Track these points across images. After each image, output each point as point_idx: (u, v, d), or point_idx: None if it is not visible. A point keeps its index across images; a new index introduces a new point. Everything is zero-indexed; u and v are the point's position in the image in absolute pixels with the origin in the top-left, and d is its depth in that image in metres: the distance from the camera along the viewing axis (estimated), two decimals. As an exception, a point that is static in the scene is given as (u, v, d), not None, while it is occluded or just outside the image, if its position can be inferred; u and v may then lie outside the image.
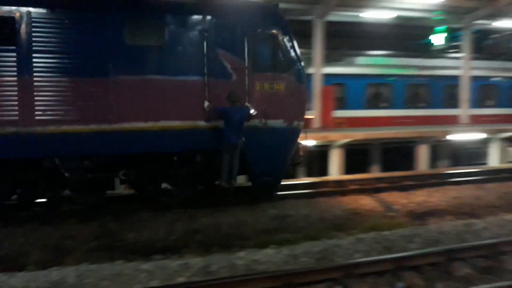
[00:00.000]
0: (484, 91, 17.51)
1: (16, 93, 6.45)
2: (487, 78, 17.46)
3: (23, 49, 6.45)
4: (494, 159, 14.06)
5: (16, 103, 6.46)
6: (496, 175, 11.43)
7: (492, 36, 26.98)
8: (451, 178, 10.94)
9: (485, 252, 5.76)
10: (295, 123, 7.98)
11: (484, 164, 14.32)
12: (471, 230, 6.72)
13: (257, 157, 7.74)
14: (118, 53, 6.89)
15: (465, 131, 13.50)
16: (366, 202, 8.58)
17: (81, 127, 6.78)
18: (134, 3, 7.27)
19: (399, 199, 8.78)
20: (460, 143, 14.11)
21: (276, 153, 7.88)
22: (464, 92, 14.80)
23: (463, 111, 14.91)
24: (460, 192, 9.51)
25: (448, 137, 13.20)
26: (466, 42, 14.76)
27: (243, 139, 7.34)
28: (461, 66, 15.04)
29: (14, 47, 6.41)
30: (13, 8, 6.38)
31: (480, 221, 7.23)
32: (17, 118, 6.46)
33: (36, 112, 6.55)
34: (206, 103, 7.30)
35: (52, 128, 6.64)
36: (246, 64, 7.55)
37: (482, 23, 15.68)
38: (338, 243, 6.13)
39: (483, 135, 13.75)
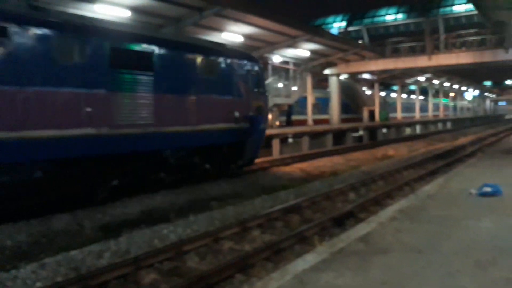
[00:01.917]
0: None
1: (152, 105, 9.43)
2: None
3: (157, 74, 9.52)
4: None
5: (152, 112, 9.42)
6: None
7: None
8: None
9: (170, 254, 6.08)
10: (265, 125, 13.39)
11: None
12: (159, 235, 7.03)
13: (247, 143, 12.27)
14: (199, 82, 10.61)
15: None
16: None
17: (182, 128, 10.17)
18: (205, 51, 11.07)
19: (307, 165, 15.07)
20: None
21: (259, 143, 12.92)
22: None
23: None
24: (153, 199, 10.01)
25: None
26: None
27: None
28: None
29: (152, 73, 9.45)
30: (151, 47, 9.49)
31: (169, 224, 7.70)
32: (152, 122, 9.43)
33: (161, 117, 9.62)
34: (236, 114, 11.59)
35: (168, 129, 9.86)
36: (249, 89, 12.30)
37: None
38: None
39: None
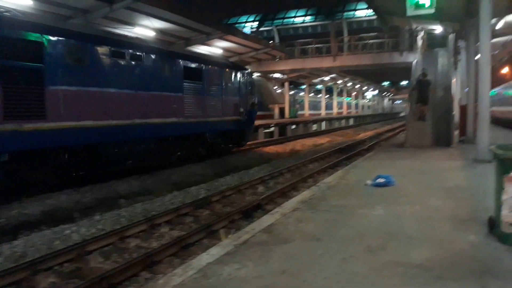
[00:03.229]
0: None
1: (201, 103, 14.19)
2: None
3: (204, 83, 14.14)
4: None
5: (201, 108, 14.13)
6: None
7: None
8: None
9: (72, 256, 5.78)
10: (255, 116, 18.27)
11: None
12: (61, 236, 6.64)
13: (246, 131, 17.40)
14: (224, 87, 15.65)
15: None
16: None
17: (216, 118, 14.92)
18: (225, 65, 16.18)
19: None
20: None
21: (251, 129, 18.59)
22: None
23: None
24: (57, 198, 9.40)
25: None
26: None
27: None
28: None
29: (201, 82, 14.05)
30: (201, 65, 14.14)
31: (72, 225, 7.29)
32: (201, 114, 14.14)
33: (205, 112, 14.45)
34: (242, 108, 16.63)
35: (209, 119, 14.58)
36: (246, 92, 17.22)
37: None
38: None
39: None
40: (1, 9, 8.44)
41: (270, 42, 32.21)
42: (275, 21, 49.50)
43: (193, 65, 13.70)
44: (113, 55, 10.41)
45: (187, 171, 12.79)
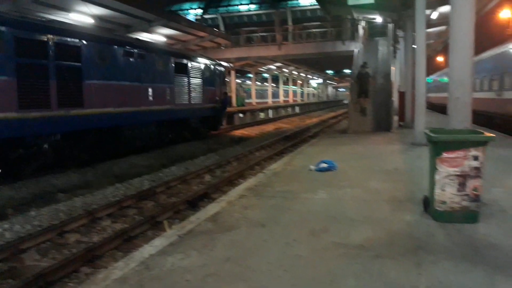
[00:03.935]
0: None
1: (188, 92, 16.67)
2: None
3: (189, 77, 16.78)
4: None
5: (188, 96, 16.69)
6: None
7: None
8: None
9: (5, 255, 5.44)
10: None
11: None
12: None
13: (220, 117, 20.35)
14: (204, 78, 18.52)
15: None
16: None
17: (199, 106, 17.72)
18: (207, 60, 18.99)
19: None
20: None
21: (224, 115, 21.31)
22: None
23: None
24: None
25: None
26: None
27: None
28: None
29: (186, 75, 16.56)
30: (187, 60, 16.72)
31: (5, 222, 6.86)
32: (188, 102, 16.74)
33: (191, 99, 17.00)
34: (217, 97, 19.34)
35: (193, 106, 17.25)
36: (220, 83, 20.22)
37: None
38: None
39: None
40: (43, 19, 10.92)
41: (214, 29, 31.80)
42: (220, 9, 48.92)
43: (180, 61, 16.36)
44: (125, 54, 12.82)
45: (129, 162, 12.41)
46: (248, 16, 49.08)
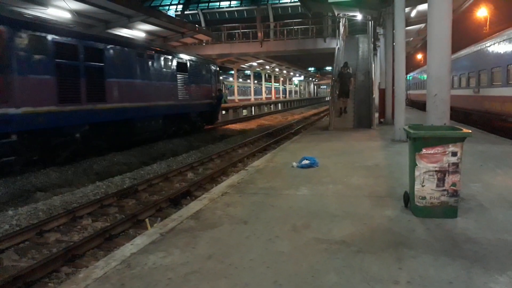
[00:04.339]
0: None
1: (188, 89, 18.43)
2: None
3: (189, 75, 18.65)
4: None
5: (187, 93, 18.33)
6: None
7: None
8: None
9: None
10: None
11: None
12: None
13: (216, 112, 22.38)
14: (202, 77, 20.35)
15: None
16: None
17: (196, 101, 19.26)
18: (203, 61, 20.91)
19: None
20: None
21: (219, 110, 23.34)
22: None
23: None
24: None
25: None
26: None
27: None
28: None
29: (186, 73, 18.30)
30: (188, 61, 18.64)
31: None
32: (188, 97, 18.53)
33: (191, 96, 18.72)
34: (213, 93, 21.27)
35: (192, 102, 18.88)
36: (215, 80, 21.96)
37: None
38: None
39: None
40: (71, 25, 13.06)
41: (196, 25, 31.59)
42: (201, 5, 48.64)
43: (181, 61, 18.09)
44: (137, 55, 14.57)
45: (110, 160, 12.26)
46: (229, 12, 48.93)
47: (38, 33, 10.31)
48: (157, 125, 16.17)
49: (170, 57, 17.17)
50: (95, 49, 12.39)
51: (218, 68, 22.94)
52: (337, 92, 15.30)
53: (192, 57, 19.46)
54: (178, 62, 17.64)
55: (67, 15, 16.37)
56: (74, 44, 11.51)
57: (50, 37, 10.66)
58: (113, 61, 13.17)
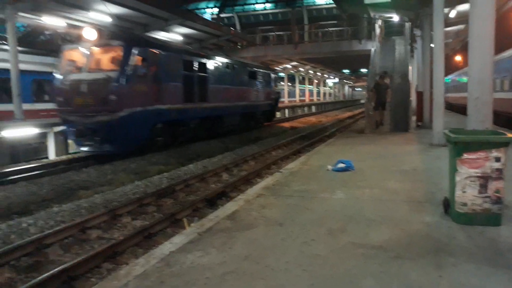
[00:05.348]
0: (38, 86, 17.74)
1: (251, 91, 22.63)
2: (41, 73, 17.62)
3: (257, 81, 23.48)
4: (52, 153, 14.31)
5: (251, 95, 22.39)
6: (53, 167, 11.69)
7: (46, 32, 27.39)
8: (4, 177, 10.28)
9: (29, 249, 5.59)
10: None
11: (46, 158, 14.36)
12: (17, 229, 6.39)
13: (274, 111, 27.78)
14: (263, 82, 24.26)
15: (20, 127, 13.06)
16: None
17: (261, 102, 23.96)
18: (263, 68, 25.23)
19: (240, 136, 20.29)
20: (17, 139, 13.50)
21: (276, 110, 28.71)
22: (15, 87, 14.15)
23: (16, 106, 14.26)
24: (12, 191, 9.04)
25: (3, 134, 12.47)
26: (10, 34, 14.04)
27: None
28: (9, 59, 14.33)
29: (255, 80, 22.99)
30: (254, 67, 23.60)
31: (29, 217, 7.02)
32: (252, 99, 22.61)
33: (256, 97, 23.22)
34: (272, 96, 25.64)
35: (257, 103, 23.37)
36: (274, 85, 26.92)
37: (28, 16, 15.45)
38: None
39: (38, 130, 13.74)
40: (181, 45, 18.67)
41: (231, 28, 31.87)
42: (236, 8, 49.05)
43: (251, 69, 22.32)
44: (226, 66, 18.88)
45: (149, 160, 12.56)
46: (264, 15, 49.11)
47: (174, 54, 14.63)
48: (236, 121, 20.39)
49: (244, 67, 21.52)
50: (202, 63, 16.52)
51: (275, 74, 27.58)
52: (373, 104, 14.85)
53: (259, 66, 24.31)
54: (249, 71, 21.88)
55: (108, 19, 16.91)
56: (191, 60, 15.70)
57: (180, 56, 14.92)
58: (212, 72, 17.29)
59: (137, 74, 12.44)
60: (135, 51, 12.43)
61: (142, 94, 12.66)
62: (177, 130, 15.06)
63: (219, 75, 17.96)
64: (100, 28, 13.18)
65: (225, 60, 19.19)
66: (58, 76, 12.85)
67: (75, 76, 12.37)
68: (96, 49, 12.61)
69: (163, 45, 14.64)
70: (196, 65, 15.89)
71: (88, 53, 12.59)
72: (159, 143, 14.05)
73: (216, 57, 18.48)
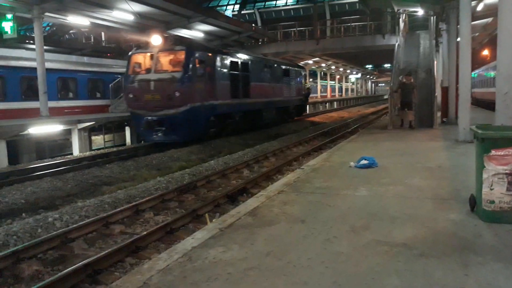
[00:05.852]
0: (63, 84, 18.16)
1: (284, 88, 24.34)
2: (65, 71, 18.03)
3: (290, 78, 25.32)
4: (76, 149, 14.61)
5: (283, 91, 24.14)
6: (77, 163, 11.94)
7: (70, 31, 27.93)
8: (31, 173, 10.56)
9: (55, 243, 5.72)
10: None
11: (70, 154, 14.68)
12: (43, 223, 6.55)
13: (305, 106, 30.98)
14: (293, 79, 25.94)
15: (46, 124, 13.36)
16: None
17: (293, 98, 25.78)
18: (294, 66, 27.07)
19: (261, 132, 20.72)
20: (43, 136, 13.84)
21: (306, 105, 32.17)
22: (41, 85, 14.49)
23: (42, 103, 14.61)
24: (38, 185, 9.27)
25: (30, 131, 12.76)
26: (37, 33, 14.37)
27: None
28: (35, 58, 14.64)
29: (288, 77, 25.11)
30: (287, 65, 25.69)
31: (55, 212, 7.19)
32: (283, 94, 24.10)
33: (288, 93, 24.97)
34: (303, 92, 27.69)
35: (289, 98, 25.39)
36: (304, 81, 29.11)
37: (54, 16, 15.78)
38: None
39: (63, 127, 14.06)
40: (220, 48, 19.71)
41: (252, 25, 31.81)
42: (257, 4, 48.93)
43: (284, 67, 24.20)
44: (264, 66, 21.01)
45: (170, 156, 12.69)
46: (285, 11, 48.82)
47: (223, 56, 16.65)
48: (272, 115, 22.17)
49: (279, 65, 23.46)
50: (245, 63, 18.62)
51: (305, 71, 30.08)
52: (399, 105, 14.29)
53: (291, 65, 26.03)
54: (282, 69, 23.78)
55: (131, 17, 17.10)
56: (236, 61, 17.68)
57: (227, 58, 16.95)
58: (253, 70, 19.30)
59: (196, 74, 14.47)
60: (195, 54, 14.60)
61: (201, 91, 14.61)
62: (225, 122, 17.17)
63: (258, 74, 20.05)
64: (165, 35, 15.89)
65: (263, 60, 21.79)
66: (127, 76, 14.87)
67: (143, 76, 14.38)
68: (161, 53, 14.72)
69: (214, 48, 17.37)
70: (240, 65, 17.96)
71: (155, 56, 14.64)
72: (212, 133, 16.21)
73: (256, 57, 20.85)
